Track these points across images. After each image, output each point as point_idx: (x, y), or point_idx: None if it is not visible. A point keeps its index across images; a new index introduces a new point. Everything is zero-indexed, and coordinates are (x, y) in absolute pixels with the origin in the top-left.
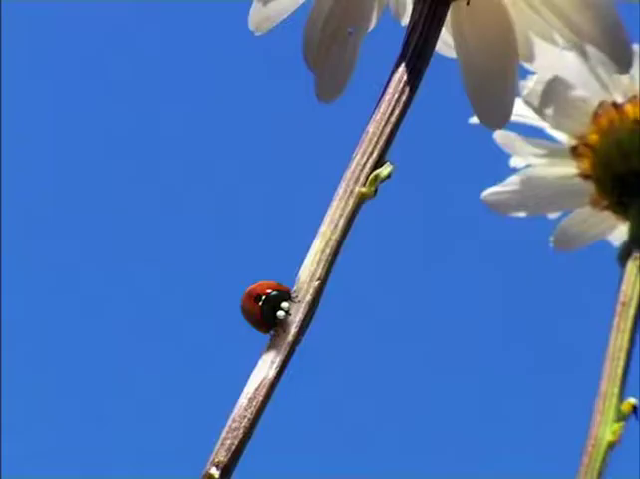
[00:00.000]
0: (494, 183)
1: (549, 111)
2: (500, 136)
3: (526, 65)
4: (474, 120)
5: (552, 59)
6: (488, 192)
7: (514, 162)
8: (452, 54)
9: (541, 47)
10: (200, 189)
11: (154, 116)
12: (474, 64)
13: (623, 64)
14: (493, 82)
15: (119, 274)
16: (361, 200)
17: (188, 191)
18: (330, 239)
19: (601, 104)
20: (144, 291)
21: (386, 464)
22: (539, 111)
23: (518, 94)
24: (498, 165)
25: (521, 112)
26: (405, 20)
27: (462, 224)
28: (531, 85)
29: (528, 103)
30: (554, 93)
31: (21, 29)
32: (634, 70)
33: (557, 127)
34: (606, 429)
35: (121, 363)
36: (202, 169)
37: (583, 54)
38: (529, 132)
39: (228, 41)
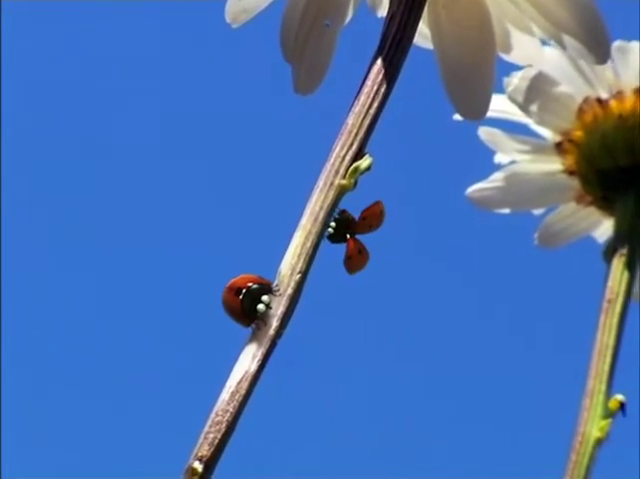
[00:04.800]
0: (479, 179)
1: (533, 107)
2: (484, 132)
3: (504, 56)
4: (458, 116)
5: (530, 50)
6: (473, 189)
7: (498, 158)
8: (429, 45)
9: (519, 38)
10: (181, 181)
11: (135, 111)
12: (451, 55)
13: (600, 55)
14: (471, 73)
15: (103, 264)
16: (341, 192)
17: (170, 182)
18: (310, 232)
19: (585, 100)
20: (127, 283)
21: (367, 457)
22: (523, 107)
23: (502, 90)
24: (482, 161)
25: (505, 108)
26: (381, 12)
27: (445, 220)
28: (515, 81)
29: (512, 99)
30: (538, 89)
31: (20, 29)
32: (618, 65)
33: (541, 123)
34: (593, 426)
35: (101, 356)
36: (183, 162)
37: (561, 45)
38: (513, 128)
39: (205, 34)
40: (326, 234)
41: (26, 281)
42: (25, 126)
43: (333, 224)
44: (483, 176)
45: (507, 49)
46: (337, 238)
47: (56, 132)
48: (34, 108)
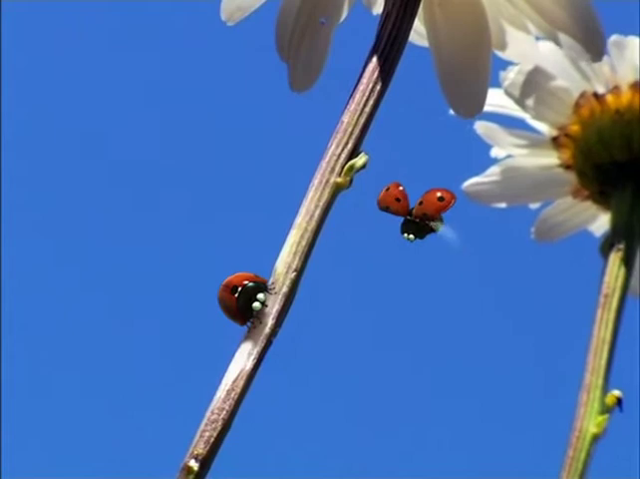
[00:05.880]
0: (475, 174)
1: (530, 102)
2: (481, 126)
3: (499, 53)
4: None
5: (525, 47)
6: (469, 183)
7: (495, 153)
8: (424, 43)
9: (514, 35)
10: (177, 180)
11: (130, 108)
12: (446, 53)
13: (596, 53)
14: (467, 71)
15: (100, 262)
16: (336, 190)
17: (166, 181)
18: (306, 230)
19: (582, 94)
20: (123, 282)
21: (364, 456)
22: (520, 102)
23: (499, 85)
24: (479, 156)
25: (502, 103)
26: (376, 9)
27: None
28: (512, 76)
29: (509, 94)
30: (535, 84)
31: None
32: (615, 60)
33: (538, 118)
34: (590, 421)
35: (97, 354)
36: (179, 161)
37: (556, 42)
38: (510, 123)
39: (201, 31)
40: (414, 239)
41: (26, 281)
42: (25, 126)
43: (405, 235)
44: (480, 170)
45: (503, 46)
46: (421, 231)
47: (56, 131)
48: (34, 108)
